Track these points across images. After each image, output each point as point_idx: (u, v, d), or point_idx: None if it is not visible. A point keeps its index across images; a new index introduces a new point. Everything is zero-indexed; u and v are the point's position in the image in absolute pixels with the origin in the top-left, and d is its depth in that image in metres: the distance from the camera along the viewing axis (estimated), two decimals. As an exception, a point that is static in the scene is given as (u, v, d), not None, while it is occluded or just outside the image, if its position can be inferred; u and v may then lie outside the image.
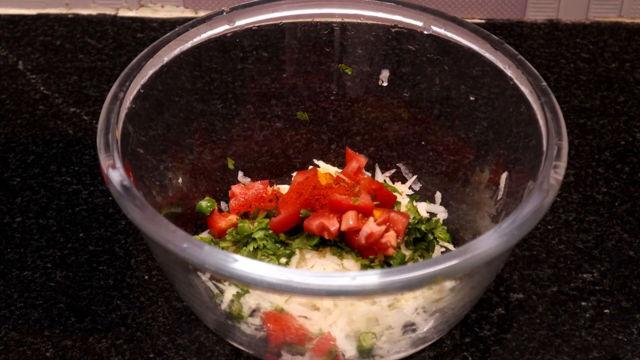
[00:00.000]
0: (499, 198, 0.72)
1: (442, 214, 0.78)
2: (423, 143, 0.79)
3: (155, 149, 0.72)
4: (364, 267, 0.69)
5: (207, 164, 0.78)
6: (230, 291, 0.66)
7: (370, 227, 0.68)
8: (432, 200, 0.79)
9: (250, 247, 0.71)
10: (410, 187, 0.80)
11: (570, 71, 0.96)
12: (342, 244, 0.70)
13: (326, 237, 0.69)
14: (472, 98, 0.75)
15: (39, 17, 1.03)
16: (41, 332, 0.72)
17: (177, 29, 0.73)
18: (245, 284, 0.57)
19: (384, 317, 0.65)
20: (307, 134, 0.81)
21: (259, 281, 0.56)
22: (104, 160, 0.62)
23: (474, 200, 0.75)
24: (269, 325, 0.65)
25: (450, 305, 0.65)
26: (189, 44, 0.73)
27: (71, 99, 0.92)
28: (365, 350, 0.65)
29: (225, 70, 0.77)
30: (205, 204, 0.75)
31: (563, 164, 0.63)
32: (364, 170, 0.78)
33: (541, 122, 0.66)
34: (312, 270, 0.69)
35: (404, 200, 0.77)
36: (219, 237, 0.74)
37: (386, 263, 0.70)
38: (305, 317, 0.65)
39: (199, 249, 0.57)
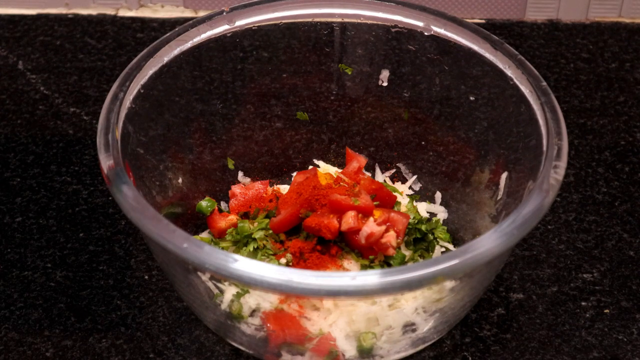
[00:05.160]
0: (499, 198, 0.72)
1: (442, 214, 0.78)
2: (423, 143, 0.79)
3: (155, 149, 0.72)
4: (364, 267, 0.69)
5: (207, 164, 0.78)
6: (230, 291, 0.66)
7: (370, 227, 0.68)
8: (432, 200, 0.79)
9: (250, 247, 0.71)
10: (410, 187, 0.80)
11: (570, 71, 0.96)
12: (342, 244, 0.70)
13: (326, 237, 0.69)
14: (472, 98, 0.75)
15: (39, 17, 1.02)
16: (41, 332, 0.72)
17: (177, 29, 0.73)
18: (245, 284, 0.57)
19: (384, 317, 0.65)
20: (307, 134, 0.81)
21: (259, 281, 0.56)
22: (104, 160, 0.62)
23: (474, 200, 0.75)
24: (269, 325, 0.65)
25: (450, 305, 0.65)
26: (189, 44, 0.73)
27: (71, 99, 0.92)
28: (365, 350, 0.65)
29: (225, 70, 0.77)
30: (205, 204, 0.75)
31: (563, 164, 0.63)
32: (364, 170, 0.78)
33: (541, 122, 0.66)
34: (312, 270, 0.69)
35: (404, 200, 0.77)
36: (219, 237, 0.74)
37: (386, 263, 0.70)
38: (306, 317, 0.65)
39: (199, 249, 0.57)
